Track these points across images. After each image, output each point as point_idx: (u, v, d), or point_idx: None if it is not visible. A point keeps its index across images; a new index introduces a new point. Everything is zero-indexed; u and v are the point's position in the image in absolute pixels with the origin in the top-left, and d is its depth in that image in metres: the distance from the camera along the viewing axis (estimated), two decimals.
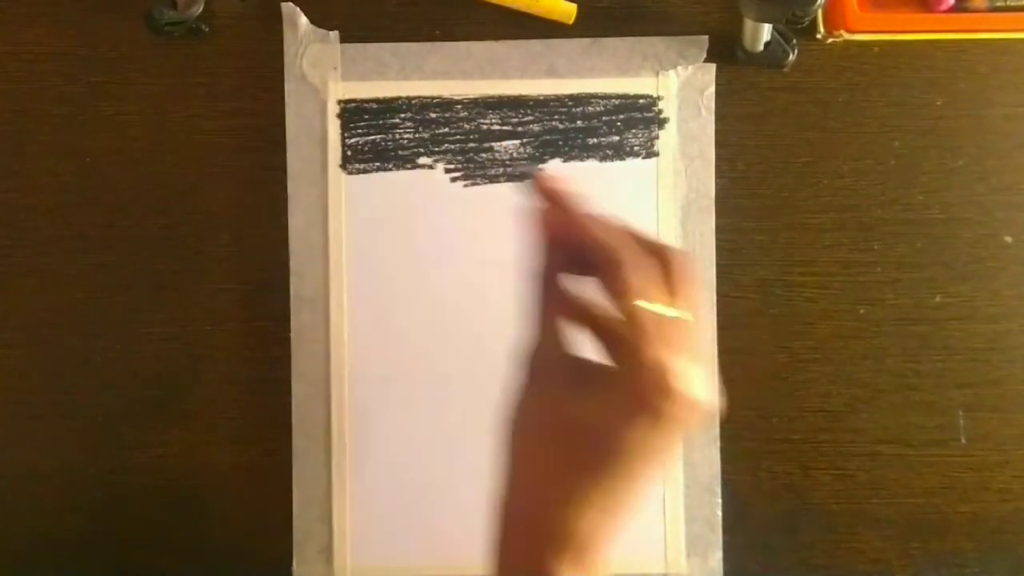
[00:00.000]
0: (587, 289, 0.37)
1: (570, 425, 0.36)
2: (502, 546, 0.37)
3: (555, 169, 0.48)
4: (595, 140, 0.50)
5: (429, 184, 0.50)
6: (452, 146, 0.50)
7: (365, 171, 0.49)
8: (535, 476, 0.37)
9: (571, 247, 0.37)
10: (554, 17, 0.49)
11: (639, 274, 0.35)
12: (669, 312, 0.35)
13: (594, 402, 0.36)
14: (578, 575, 0.35)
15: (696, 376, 0.35)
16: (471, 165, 0.50)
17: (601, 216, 0.37)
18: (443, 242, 0.50)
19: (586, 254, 0.36)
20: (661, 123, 0.50)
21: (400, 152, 0.50)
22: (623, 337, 0.35)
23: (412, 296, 0.49)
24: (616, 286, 0.35)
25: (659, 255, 0.36)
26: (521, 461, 0.37)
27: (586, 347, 0.37)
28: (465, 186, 0.50)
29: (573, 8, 0.49)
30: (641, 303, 0.35)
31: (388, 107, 0.50)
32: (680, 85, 0.50)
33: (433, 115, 0.50)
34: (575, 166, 0.50)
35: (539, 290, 0.37)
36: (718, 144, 0.50)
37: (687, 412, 0.35)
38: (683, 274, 0.36)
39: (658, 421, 0.35)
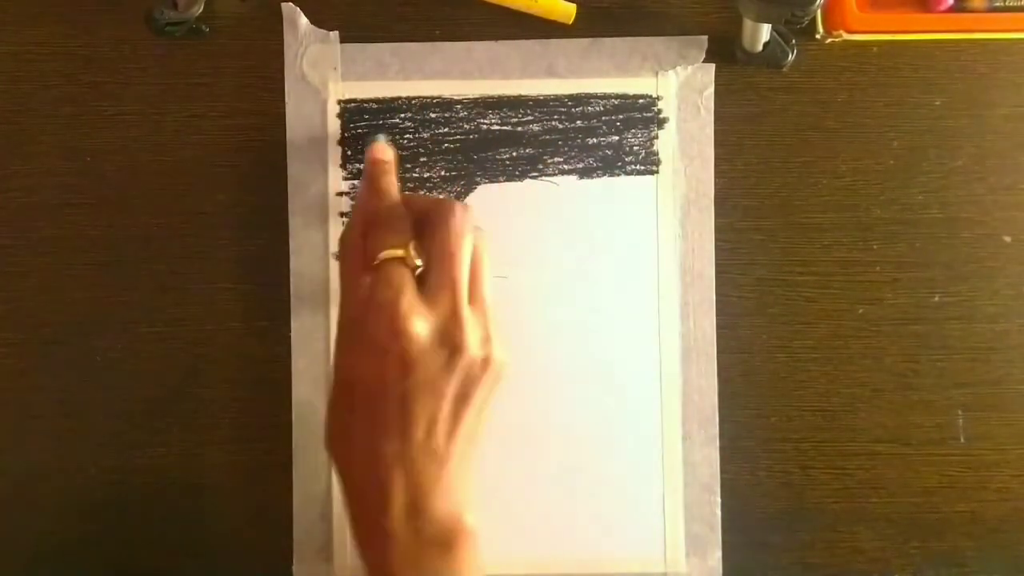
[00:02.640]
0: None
1: (354, 380, 0.40)
2: (348, 510, 0.40)
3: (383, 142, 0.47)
4: (594, 140, 0.50)
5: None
6: (452, 146, 0.50)
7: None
8: (351, 439, 0.40)
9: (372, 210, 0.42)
10: (554, 17, 0.50)
11: (388, 225, 0.40)
12: (399, 254, 0.39)
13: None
14: (417, 526, 0.37)
15: (439, 320, 0.38)
16: (470, 165, 0.50)
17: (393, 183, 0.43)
18: None
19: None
20: (660, 123, 0.50)
21: (400, 152, 0.50)
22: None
23: None
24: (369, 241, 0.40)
25: (425, 209, 0.40)
26: (340, 432, 0.40)
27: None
28: (464, 188, 0.50)
29: (573, 8, 0.49)
30: (386, 253, 0.39)
31: (388, 107, 0.50)
32: (679, 85, 0.50)
33: (433, 115, 0.50)
34: (574, 166, 0.50)
35: (357, 253, 0.40)
36: (717, 144, 0.50)
37: (427, 353, 0.38)
38: (435, 222, 0.39)
39: (390, 360, 0.37)
